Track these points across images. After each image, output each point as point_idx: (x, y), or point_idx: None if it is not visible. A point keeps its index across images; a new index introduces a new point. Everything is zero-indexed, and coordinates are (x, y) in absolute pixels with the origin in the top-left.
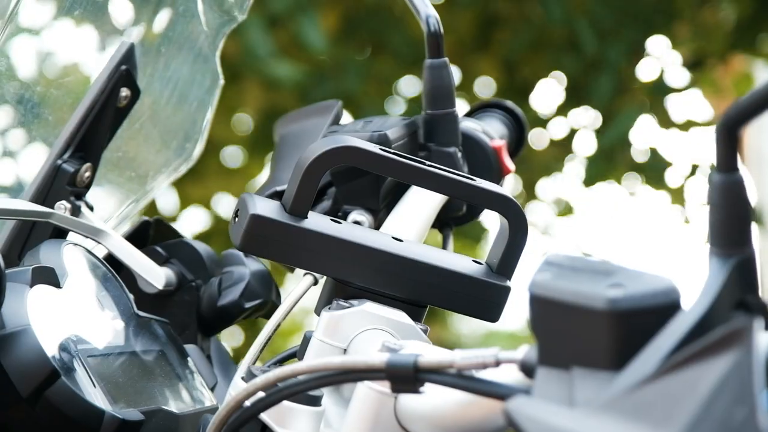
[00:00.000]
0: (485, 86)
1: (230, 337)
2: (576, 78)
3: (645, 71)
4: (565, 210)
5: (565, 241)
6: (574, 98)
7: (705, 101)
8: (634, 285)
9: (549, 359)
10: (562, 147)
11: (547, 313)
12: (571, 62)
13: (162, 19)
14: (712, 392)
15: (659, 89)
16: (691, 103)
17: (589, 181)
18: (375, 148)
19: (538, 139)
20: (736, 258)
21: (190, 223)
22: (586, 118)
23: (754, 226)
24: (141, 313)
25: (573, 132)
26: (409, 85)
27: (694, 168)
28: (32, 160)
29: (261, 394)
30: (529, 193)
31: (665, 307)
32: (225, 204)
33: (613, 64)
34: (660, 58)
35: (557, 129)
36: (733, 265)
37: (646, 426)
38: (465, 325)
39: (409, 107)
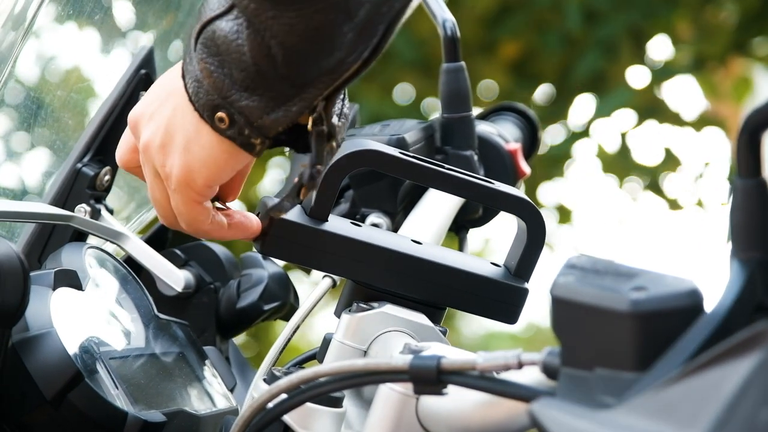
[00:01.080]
0: (487, 89)
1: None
2: (562, 61)
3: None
4: (566, 216)
5: (567, 247)
6: (565, 91)
7: (704, 100)
8: (656, 287)
9: (572, 361)
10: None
11: (570, 315)
12: (556, 41)
13: (180, 22)
14: (736, 393)
15: (660, 74)
16: (690, 98)
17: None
18: (395, 152)
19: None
20: (758, 260)
21: None
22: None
23: None
24: (161, 316)
25: (573, 136)
26: (406, 93)
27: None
28: (49, 165)
29: (283, 395)
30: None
31: (688, 310)
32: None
33: (602, 42)
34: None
35: (555, 133)
36: (754, 268)
37: (671, 426)
38: (466, 325)
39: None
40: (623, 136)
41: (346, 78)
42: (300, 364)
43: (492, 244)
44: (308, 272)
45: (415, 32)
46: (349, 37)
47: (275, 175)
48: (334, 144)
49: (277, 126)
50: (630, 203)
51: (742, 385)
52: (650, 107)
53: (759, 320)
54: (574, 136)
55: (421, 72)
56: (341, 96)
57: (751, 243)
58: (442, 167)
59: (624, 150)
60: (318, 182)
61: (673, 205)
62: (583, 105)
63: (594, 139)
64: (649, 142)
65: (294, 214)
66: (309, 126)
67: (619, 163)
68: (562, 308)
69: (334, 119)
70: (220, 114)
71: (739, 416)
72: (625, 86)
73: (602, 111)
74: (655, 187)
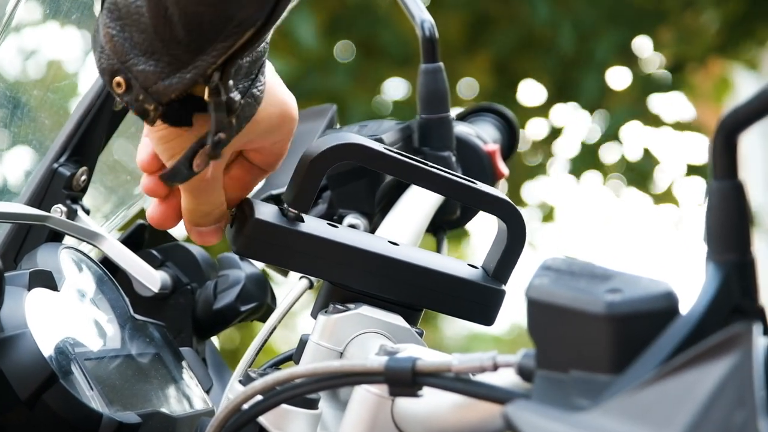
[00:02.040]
0: (469, 88)
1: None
2: (559, 78)
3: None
4: (549, 215)
5: (551, 246)
6: (560, 99)
7: (688, 104)
8: (632, 289)
9: (547, 363)
10: (546, 147)
11: (545, 317)
12: (552, 62)
13: None
14: (711, 395)
15: (645, 86)
16: (675, 104)
17: (575, 172)
18: (379, 147)
19: (522, 140)
20: (734, 263)
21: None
22: (571, 117)
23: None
24: (137, 316)
25: (556, 132)
26: (398, 88)
27: (690, 169)
28: (26, 164)
29: (259, 397)
30: (515, 197)
31: (663, 312)
32: None
33: (598, 63)
34: (645, 59)
35: (539, 129)
36: (730, 270)
37: (646, 429)
38: (448, 327)
39: (395, 110)
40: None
41: (241, 46)
42: (276, 366)
43: (471, 246)
44: (285, 273)
45: (401, 29)
46: (243, 3)
47: None
48: (233, 120)
49: (170, 92)
50: (613, 200)
51: (717, 387)
52: (633, 111)
53: (734, 322)
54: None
55: (412, 68)
56: (245, 71)
57: (726, 245)
58: (425, 164)
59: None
60: (219, 151)
61: (658, 199)
62: (566, 109)
63: (577, 137)
64: (632, 142)
65: (272, 215)
66: (206, 96)
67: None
68: (537, 310)
69: (235, 95)
70: (117, 79)
71: (713, 418)
72: (622, 103)
73: (609, 131)
74: (638, 182)
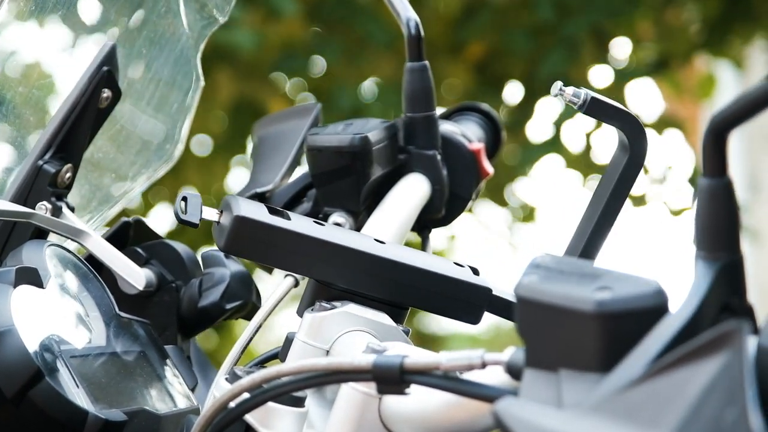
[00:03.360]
0: (451, 88)
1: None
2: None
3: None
4: (530, 215)
5: (532, 247)
6: (532, 90)
7: (662, 101)
8: (621, 287)
9: (536, 361)
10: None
11: (534, 315)
12: (524, 38)
13: (144, 20)
14: (702, 393)
15: (621, 75)
16: (651, 100)
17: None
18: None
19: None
20: (723, 261)
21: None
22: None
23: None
24: (122, 314)
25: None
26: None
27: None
28: (9, 161)
29: (246, 395)
30: (497, 198)
31: (652, 310)
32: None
33: (568, 39)
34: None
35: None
36: (719, 269)
37: (636, 427)
38: (425, 327)
39: (381, 92)
40: (587, 136)
41: None
42: (262, 364)
43: (456, 243)
44: (270, 271)
45: (386, 18)
46: None
47: (240, 173)
48: None
49: None
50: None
51: (708, 385)
52: None
53: (724, 321)
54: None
55: (399, 56)
56: None
57: (716, 243)
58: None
59: (588, 150)
60: None
61: (637, 201)
62: (548, 106)
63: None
64: (611, 142)
65: (258, 213)
66: None
67: (583, 162)
68: (527, 308)
69: None
70: None
71: (704, 417)
72: (588, 87)
73: (567, 115)
74: None
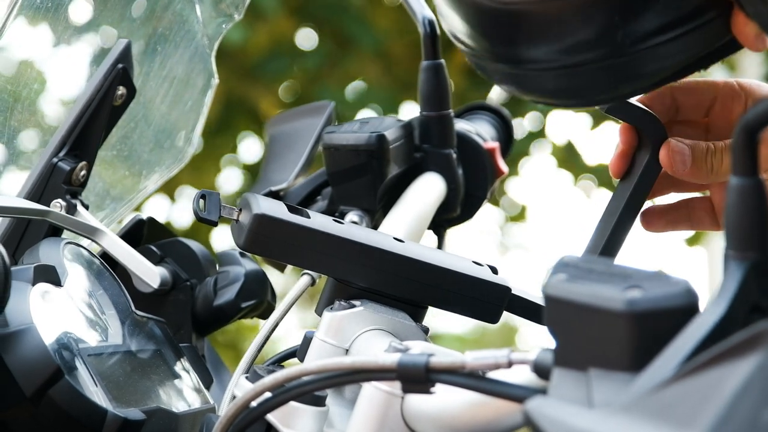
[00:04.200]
0: None
1: None
2: None
3: None
4: (521, 214)
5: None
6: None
7: None
8: (651, 287)
9: (566, 360)
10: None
11: (563, 314)
12: None
13: (159, 17)
14: (736, 394)
15: None
16: None
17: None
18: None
19: None
20: (753, 261)
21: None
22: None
23: None
24: (138, 312)
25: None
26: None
27: None
28: (24, 159)
29: (268, 394)
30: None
31: (683, 309)
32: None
33: None
34: None
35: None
36: (749, 268)
37: (669, 426)
38: None
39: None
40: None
41: None
42: (279, 363)
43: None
44: (282, 269)
45: (375, 24)
46: None
47: (229, 173)
48: None
49: None
50: (584, 201)
51: (743, 386)
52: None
53: (754, 321)
54: (531, 136)
55: (383, 63)
56: None
57: (747, 243)
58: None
59: (576, 151)
60: None
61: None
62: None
63: (550, 138)
64: (603, 143)
65: (278, 211)
66: None
67: (573, 162)
68: (556, 307)
69: None
70: None
71: (739, 416)
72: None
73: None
74: (609, 184)
